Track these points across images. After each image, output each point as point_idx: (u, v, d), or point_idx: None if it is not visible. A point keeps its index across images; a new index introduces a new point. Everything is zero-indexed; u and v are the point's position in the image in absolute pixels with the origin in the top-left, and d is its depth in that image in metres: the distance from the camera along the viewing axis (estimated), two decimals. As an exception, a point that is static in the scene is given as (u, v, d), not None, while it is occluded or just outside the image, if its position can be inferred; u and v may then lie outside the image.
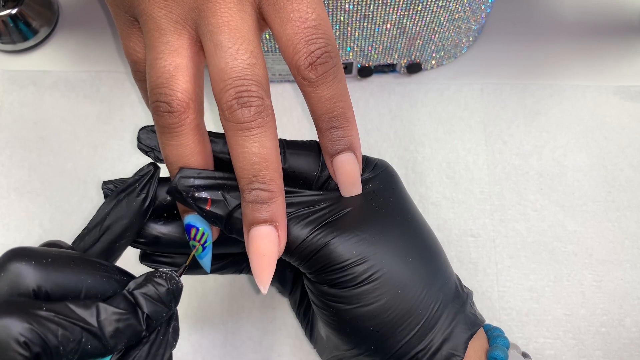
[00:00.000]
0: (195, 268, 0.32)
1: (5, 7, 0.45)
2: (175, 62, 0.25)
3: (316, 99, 0.26)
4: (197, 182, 0.26)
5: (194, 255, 0.29)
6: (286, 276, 0.37)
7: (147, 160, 0.44)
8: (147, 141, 0.29)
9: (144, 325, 0.24)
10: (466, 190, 0.44)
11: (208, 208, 0.26)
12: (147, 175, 0.27)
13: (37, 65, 0.48)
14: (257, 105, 0.25)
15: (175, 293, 0.25)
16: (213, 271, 0.34)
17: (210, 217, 0.27)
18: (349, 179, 0.29)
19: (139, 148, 0.30)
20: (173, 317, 0.26)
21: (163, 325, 0.25)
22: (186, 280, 0.42)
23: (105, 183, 0.29)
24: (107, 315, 0.22)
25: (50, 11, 0.48)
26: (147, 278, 0.25)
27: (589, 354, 0.40)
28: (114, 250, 0.27)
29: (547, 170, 0.45)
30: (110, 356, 0.23)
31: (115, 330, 0.22)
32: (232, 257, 0.34)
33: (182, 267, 0.28)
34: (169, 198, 0.29)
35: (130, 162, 0.45)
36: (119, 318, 0.23)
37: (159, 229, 0.29)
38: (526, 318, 0.41)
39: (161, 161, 0.29)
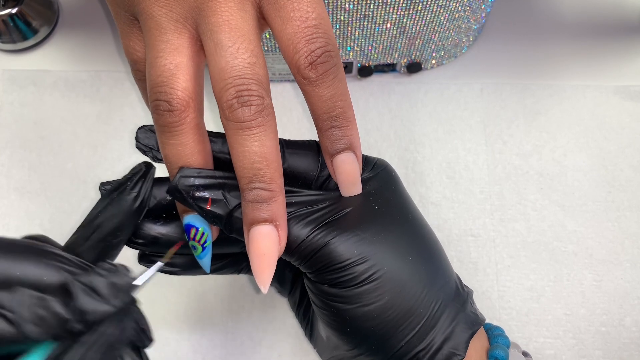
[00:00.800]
0: (194, 268, 0.32)
1: (5, 7, 0.45)
2: (176, 61, 0.25)
3: (316, 99, 0.26)
4: (198, 181, 0.26)
5: (194, 255, 0.29)
6: (285, 276, 0.37)
7: (147, 158, 0.44)
8: (145, 140, 0.29)
9: (70, 315, 0.21)
10: (466, 190, 0.44)
11: (208, 207, 0.26)
12: (139, 173, 0.27)
13: (37, 65, 0.48)
14: (258, 104, 0.25)
15: (119, 288, 0.23)
16: (212, 271, 0.34)
17: (210, 217, 0.27)
18: (349, 178, 0.29)
19: (137, 147, 0.29)
20: (128, 316, 0.24)
21: (111, 323, 0.23)
22: (186, 280, 0.42)
23: (102, 184, 0.29)
24: (28, 299, 0.21)
25: (50, 11, 0.48)
26: (94, 268, 0.23)
27: (589, 354, 0.40)
28: (107, 248, 0.26)
29: (547, 170, 0.45)
30: (44, 347, 0.22)
31: (34, 315, 0.21)
32: (231, 257, 0.34)
33: (155, 265, 0.27)
34: (168, 197, 0.29)
35: (130, 162, 0.45)
36: (41, 304, 0.21)
37: (158, 229, 0.29)
38: (526, 318, 0.41)
39: (159, 161, 0.29)
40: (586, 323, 0.41)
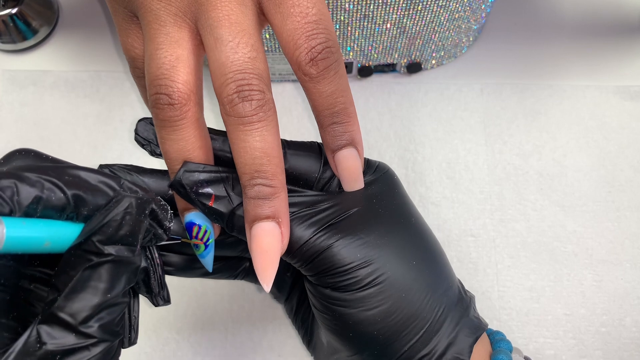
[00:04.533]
0: (189, 270, 0.31)
1: (5, 7, 0.45)
2: (177, 53, 0.25)
3: (317, 95, 0.26)
4: (202, 176, 0.26)
5: (196, 255, 0.28)
6: (284, 280, 0.37)
7: (148, 159, 0.44)
8: (145, 133, 0.29)
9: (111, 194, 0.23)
10: (466, 190, 0.44)
11: (211, 204, 0.26)
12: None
13: (37, 65, 0.48)
14: (259, 99, 0.24)
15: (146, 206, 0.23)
16: (207, 275, 0.33)
17: (212, 214, 0.26)
18: (351, 174, 0.28)
19: (136, 140, 0.29)
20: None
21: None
22: (186, 280, 0.42)
23: (101, 167, 0.28)
24: (78, 179, 0.22)
25: (50, 11, 0.48)
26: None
27: (589, 354, 0.40)
28: None
29: (547, 170, 0.45)
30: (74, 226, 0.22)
31: (76, 192, 0.22)
32: (226, 261, 0.34)
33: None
34: (170, 192, 0.28)
35: (131, 162, 0.45)
36: (89, 186, 0.22)
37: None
38: (526, 318, 0.41)
39: (157, 156, 0.29)
40: (586, 323, 0.41)
